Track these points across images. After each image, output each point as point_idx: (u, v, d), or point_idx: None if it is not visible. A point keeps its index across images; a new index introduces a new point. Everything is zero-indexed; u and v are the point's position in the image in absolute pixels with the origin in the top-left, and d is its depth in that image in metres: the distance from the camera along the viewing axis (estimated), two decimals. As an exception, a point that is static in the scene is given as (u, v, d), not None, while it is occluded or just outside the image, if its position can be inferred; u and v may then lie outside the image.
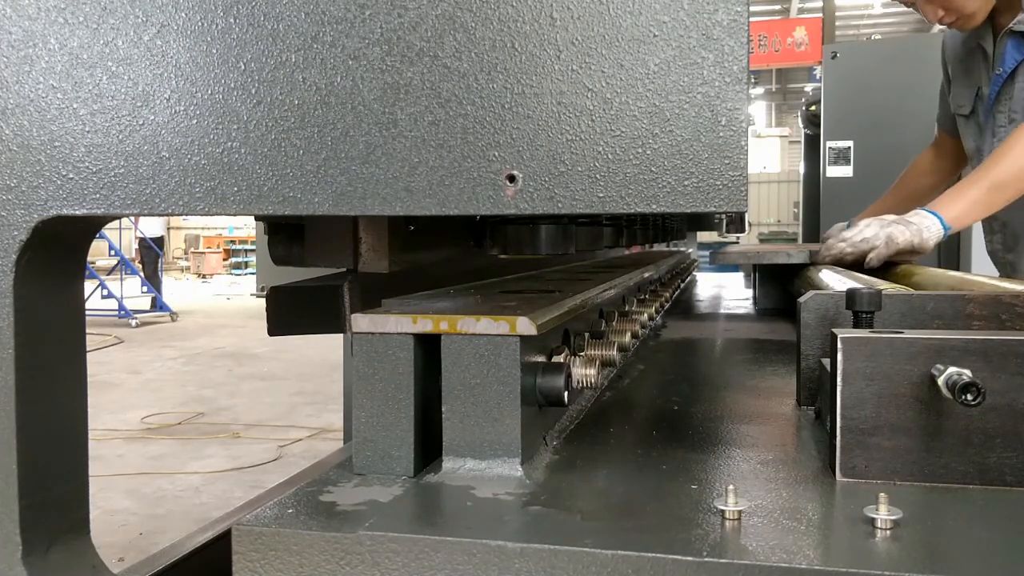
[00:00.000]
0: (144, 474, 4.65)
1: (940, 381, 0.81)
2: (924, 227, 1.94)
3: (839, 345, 0.86)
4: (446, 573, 0.71)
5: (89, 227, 0.95)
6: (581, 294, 1.23)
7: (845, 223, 2.27)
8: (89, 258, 1.06)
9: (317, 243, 1.18)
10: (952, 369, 0.81)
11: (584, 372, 1.05)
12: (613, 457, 0.97)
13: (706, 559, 0.67)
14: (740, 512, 0.75)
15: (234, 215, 0.85)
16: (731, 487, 0.76)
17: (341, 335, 1.49)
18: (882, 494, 0.73)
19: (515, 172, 0.78)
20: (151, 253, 13.71)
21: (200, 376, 7.74)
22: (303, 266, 1.22)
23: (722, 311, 2.76)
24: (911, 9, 2.36)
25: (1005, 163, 2.03)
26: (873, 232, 1.94)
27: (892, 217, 1.99)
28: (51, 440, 0.91)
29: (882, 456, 0.85)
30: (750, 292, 3.33)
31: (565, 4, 0.76)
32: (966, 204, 2.01)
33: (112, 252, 14.04)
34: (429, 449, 0.92)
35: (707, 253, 3.56)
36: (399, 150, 0.80)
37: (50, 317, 0.91)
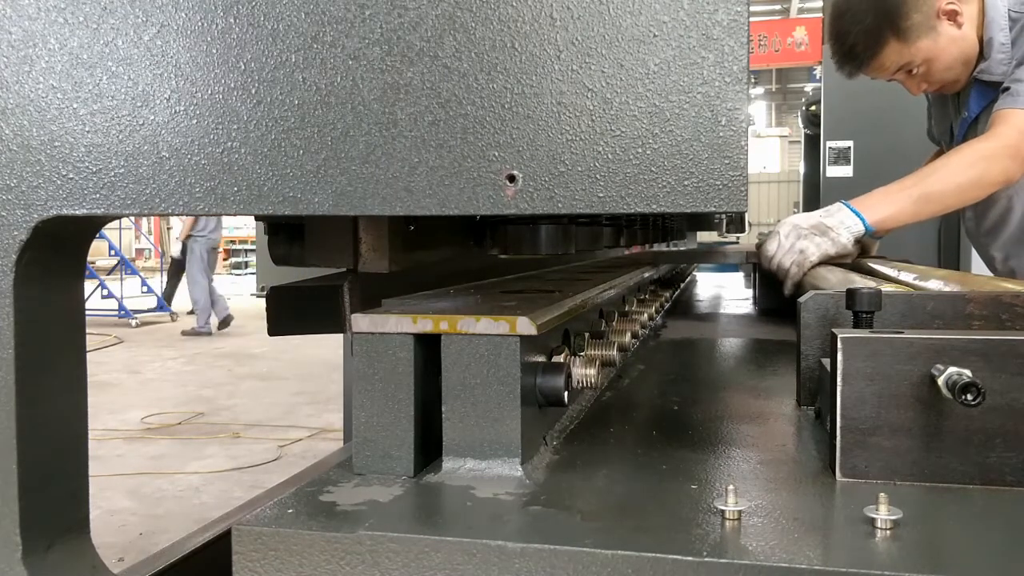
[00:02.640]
0: (144, 474, 4.65)
1: (940, 381, 0.81)
2: (844, 228, 1.85)
3: (839, 345, 0.86)
4: (446, 573, 0.71)
5: (89, 227, 0.95)
6: (581, 294, 1.23)
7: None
8: (89, 258, 1.06)
9: (317, 243, 1.18)
10: (952, 369, 0.81)
11: (584, 372, 1.05)
12: (613, 457, 0.97)
13: (706, 559, 0.67)
14: (740, 512, 0.75)
15: (234, 215, 0.85)
16: (731, 487, 0.76)
17: (341, 335, 1.49)
18: (882, 494, 0.73)
19: (515, 172, 0.78)
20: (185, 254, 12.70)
21: (200, 376, 7.73)
22: (303, 266, 1.22)
23: (722, 311, 2.76)
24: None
25: (940, 175, 1.99)
26: (787, 253, 1.82)
27: (808, 224, 1.86)
28: (51, 440, 0.91)
29: (882, 456, 0.85)
30: (750, 292, 3.33)
31: (565, 4, 0.76)
32: (894, 209, 1.94)
33: (112, 252, 14.03)
34: (429, 449, 0.92)
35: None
36: (399, 150, 0.80)
37: (50, 317, 0.91)
